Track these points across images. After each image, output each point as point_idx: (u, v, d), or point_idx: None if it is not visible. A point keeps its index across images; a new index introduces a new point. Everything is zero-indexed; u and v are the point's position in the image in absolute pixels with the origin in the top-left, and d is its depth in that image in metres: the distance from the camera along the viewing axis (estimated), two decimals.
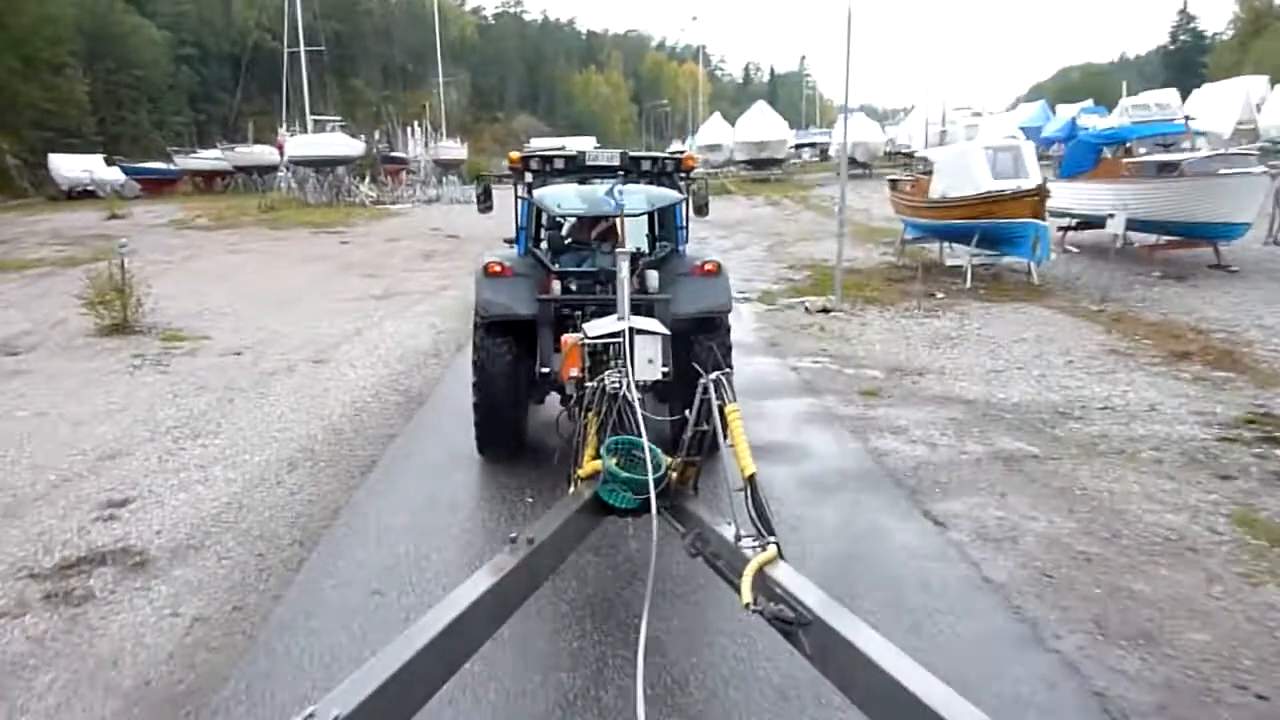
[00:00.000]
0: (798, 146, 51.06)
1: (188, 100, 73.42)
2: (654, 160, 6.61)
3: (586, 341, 4.80)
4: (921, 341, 11.10)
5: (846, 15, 13.39)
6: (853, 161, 41.10)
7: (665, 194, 6.23)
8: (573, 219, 7.18)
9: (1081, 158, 16.64)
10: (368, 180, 38.11)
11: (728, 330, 6.48)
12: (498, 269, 6.25)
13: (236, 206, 34.20)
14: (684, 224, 6.81)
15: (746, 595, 2.81)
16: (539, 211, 6.78)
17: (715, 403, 3.53)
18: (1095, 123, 35.90)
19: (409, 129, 62.06)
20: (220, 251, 21.72)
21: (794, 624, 2.70)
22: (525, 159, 6.57)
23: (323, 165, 48.08)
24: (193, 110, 72.76)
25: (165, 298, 14.89)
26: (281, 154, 44.28)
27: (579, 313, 6.03)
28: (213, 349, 11.19)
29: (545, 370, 6.04)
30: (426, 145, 56.25)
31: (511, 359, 6.15)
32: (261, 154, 47.89)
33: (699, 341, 5.95)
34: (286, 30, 49.62)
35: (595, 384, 4.44)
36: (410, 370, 10.03)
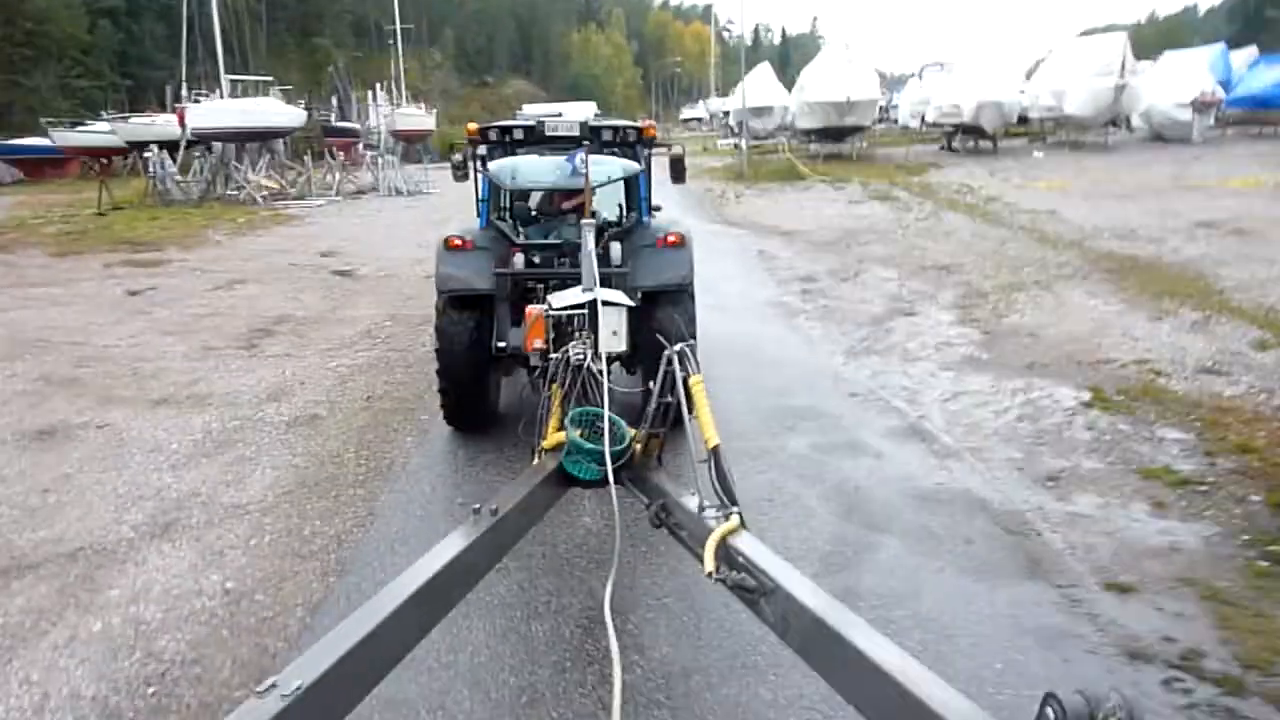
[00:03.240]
0: None
1: (116, 62, 62.08)
2: (615, 130, 6.39)
3: (551, 313, 4.63)
4: None
5: None
6: (969, 130, 29.83)
7: (627, 165, 6.27)
8: (542, 191, 7.06)
9: None
10: (264, 165, 26.74)
11: (691, 299, 6.25)
12: (458, 243, 6.14)
13: (79, 203, 23.31)
14: (647, 194, 6.70)
15: (709, 564, 2.78)
16: None
17: (679, 375, 3.48)
18: None
19: (372, 94, 50.93)
20: None
21: (756, 592, 2.66)
22: (483, 130, 6.41)
23: (244, 139, 37.37)
24: (119, 74, 61.36)
25: None
26: (182, 126, 33.21)
27: (541, 285, 5.96)
28: None
29: (502, 345, 6.03)
30: (385, 112, 45.18)
31: (472, 332, 6.03)
32: (162, 127, 36.83)
33: (662, 312, 5.85)
34: None
35: (560, 355, 4.29)
36: None
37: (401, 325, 10.31)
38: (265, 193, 24.45)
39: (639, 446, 3.79)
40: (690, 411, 3.41)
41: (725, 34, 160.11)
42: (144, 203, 23.39)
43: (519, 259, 6.16)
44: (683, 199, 20.62)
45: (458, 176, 7.15)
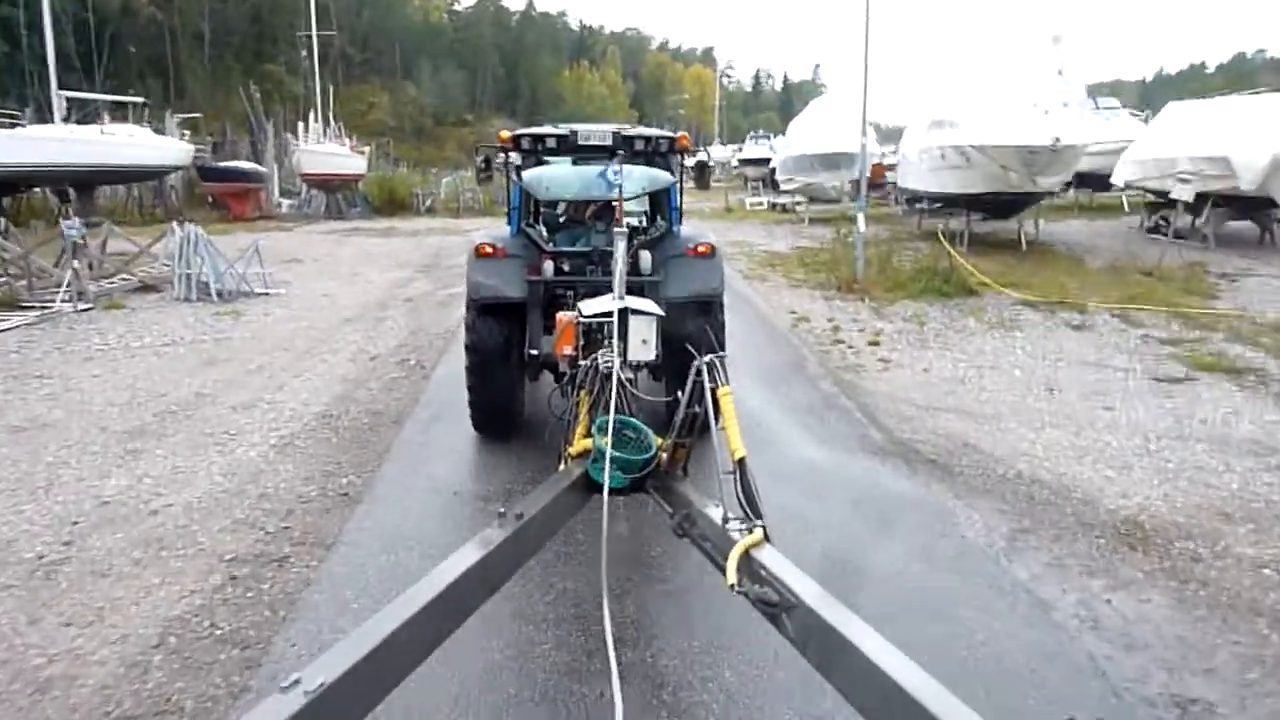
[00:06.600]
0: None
1: (9, 80, 51.34)
2: (648, 139, 6.34)
3: (581, 320, 4.71)
4: None
5: None
6: (1230, 202, 17.97)
7: (661, 175, 6.11)
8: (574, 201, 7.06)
9: None
10: None
11: (721, 309, 6.23)
12: (489, 250, 6.14)
13: None
14: (678, 204, 6.72)
15: (731, 576, 2.77)
16: None
17: (708, 385, 3.50)
18: None
19: (304, 127, 40.03)
20: None
21: (778, 607, 2.64)
22: (516, 137, 6.40)
23: (85, 183, 26.46)
24: (7, 96, 50.49)
25: None
26: None
27: (571, 292, 5.94)
28: None
29: (534, 352, 5.98)
30: (294, 147, 34.34)
31: (503, 340, 6.05)
32: None
33: (692, 323, 5.71)
34: None
35: (588, 363, 4.34)
36: None
37: None
38: None
39: (665, 456, 3.80)
40: (718, 422, 3.39)
41: (725, 78, 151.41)
42: None
43: (549, 266, 6.11)
44: (748, 336, 9.92)
45: (481, 180, 7.46)
